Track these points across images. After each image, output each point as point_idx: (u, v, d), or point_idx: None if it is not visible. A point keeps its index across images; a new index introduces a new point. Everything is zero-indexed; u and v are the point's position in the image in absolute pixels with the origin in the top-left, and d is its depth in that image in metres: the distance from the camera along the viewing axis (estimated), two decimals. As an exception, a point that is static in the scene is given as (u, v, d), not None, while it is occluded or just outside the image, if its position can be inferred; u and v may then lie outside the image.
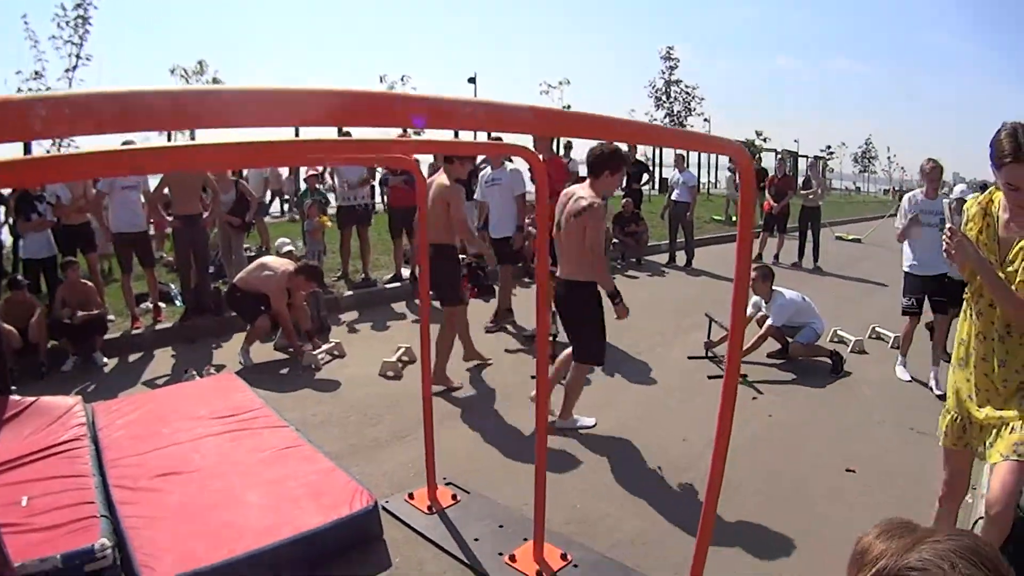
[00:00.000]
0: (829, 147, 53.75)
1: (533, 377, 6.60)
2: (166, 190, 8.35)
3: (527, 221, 9.58)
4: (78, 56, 11.43)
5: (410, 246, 10.44)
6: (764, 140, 36.59)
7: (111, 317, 8.04)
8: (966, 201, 3.18)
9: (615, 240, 13.77)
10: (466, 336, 7.06)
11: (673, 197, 13.72)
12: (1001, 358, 3.06)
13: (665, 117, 26.17)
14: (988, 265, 2.98)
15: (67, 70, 11.46)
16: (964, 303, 3.25)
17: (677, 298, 10.76)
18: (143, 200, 8.38)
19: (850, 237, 19.69)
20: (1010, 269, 2.95)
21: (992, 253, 3.02)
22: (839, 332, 8.58)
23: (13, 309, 6.98)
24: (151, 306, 8.46)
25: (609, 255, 13.26)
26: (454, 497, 4.48)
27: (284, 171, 15.71)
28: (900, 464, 5.28)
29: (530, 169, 5.54)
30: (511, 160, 9.15)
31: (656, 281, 12.56)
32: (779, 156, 15.78)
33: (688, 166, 14.61)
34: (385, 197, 13.89)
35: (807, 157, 40.82)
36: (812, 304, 7.78)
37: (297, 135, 5.02)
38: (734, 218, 20.57)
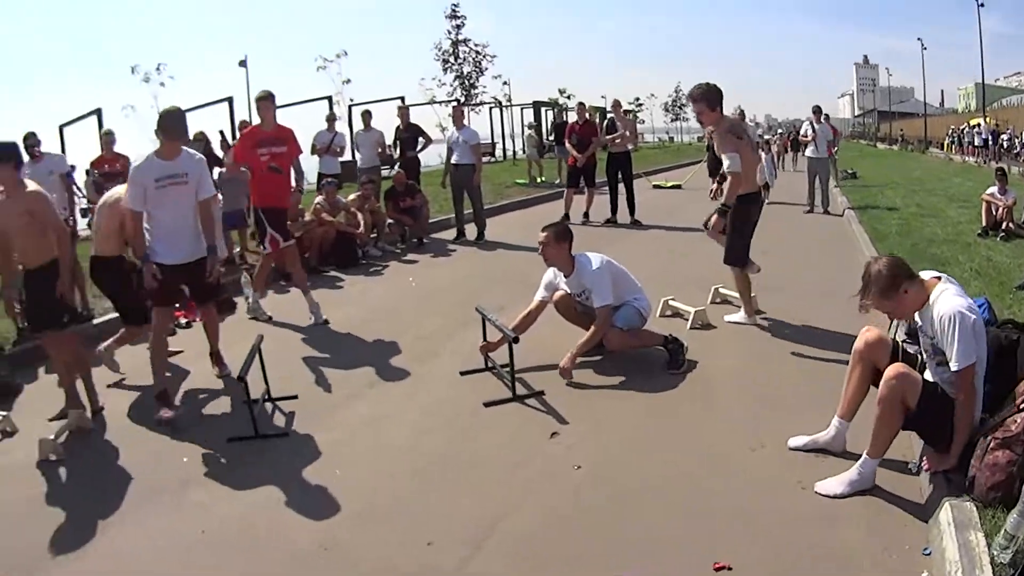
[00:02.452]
0: (638, 99, 52.99)
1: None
2: None
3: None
4: None
5: None
6: (568, 97, 34.85)
7: None
8: None
9: (390, 221, 11.28)
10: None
11: (453, 160, 11.33)
12: None
13: (455, 80, 23.64)
14: None
15: None
16: None
17: (460, 283, 8.38)
18: None
19: (669, 184, 18.06)
20: None
21: None
22: (672, 303, 6.46)
23: None
24: None
25: (385, 239, 11.03)
26: None
27: None
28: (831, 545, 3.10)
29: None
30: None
31: (438, 264, 10.11)
32: (579, 103, 13.75)
33: (470, 123, 12.30)
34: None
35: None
36: (627, 271, 5.53)
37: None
38: (539, 179, 18.80)
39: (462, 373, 5.32)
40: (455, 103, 23.68)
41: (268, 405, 5.01)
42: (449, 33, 24.25)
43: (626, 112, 14.20)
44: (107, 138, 8.78)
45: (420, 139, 12.61)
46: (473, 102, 24.38)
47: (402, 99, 24.55)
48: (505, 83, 29.74)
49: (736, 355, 5.39)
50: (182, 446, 4.53)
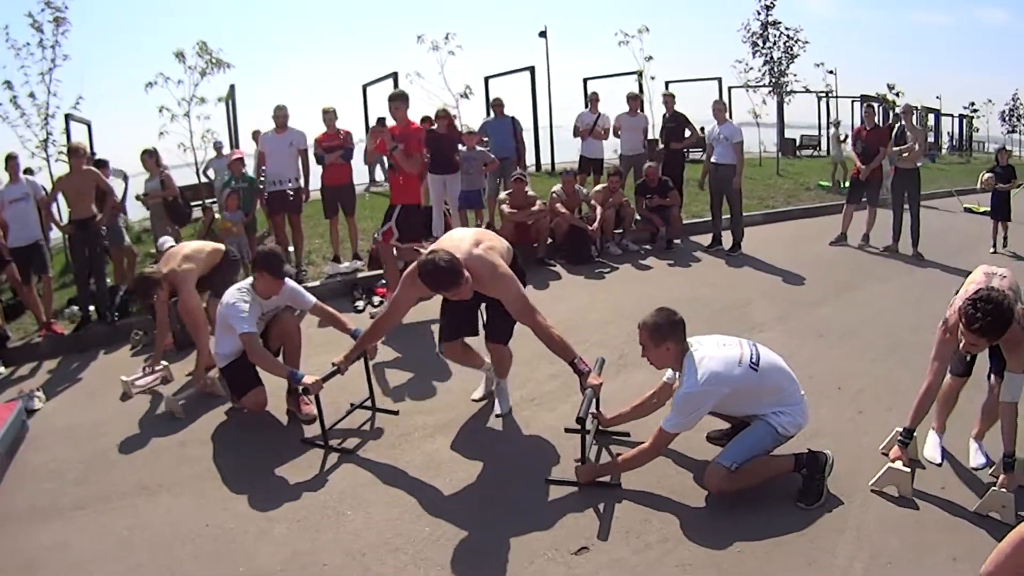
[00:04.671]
0: (973, 104, 45.43)
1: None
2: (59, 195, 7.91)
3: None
4: (52, 60, 10.12)
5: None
6: (897, 95, 30.66)
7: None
8: None
9: (638, 217, 10.57)
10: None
11: (713, 159, 10.18)
12: None
13: (764, 65, 21.68)
14: None
15: (42, 73, 10.12)
16: None
17: (672, 305, 7.23)
18: (36, 209, 7.95)
19: (981, 209, 14.83)
20: None
21: None
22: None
23: None
24: (74, 310, 8.04)
25: (630, 236, 10.35)
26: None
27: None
28: None
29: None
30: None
31: (672, 275, 9.07)
32: (867, 105, 11.81)
33: (732, 117, 11.03)
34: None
35: (952, 115, 35.09)
36: (780, 366, 3.86)
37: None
38: (843, 184, 16.81)
39: (567, 430, 4.46)
40: (768, 88, 22.01)
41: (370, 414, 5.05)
42: (758, 14, 22.14)
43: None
44: (328, 116, 9.06)
45: (686, 131, 11.50)
46: (785, 89, 22.23)
47: (719, 80, 23.33)
48: (830, 72, 26.96)
49: (913, 519, 3.61)
50: (262, 436, 4.86)
